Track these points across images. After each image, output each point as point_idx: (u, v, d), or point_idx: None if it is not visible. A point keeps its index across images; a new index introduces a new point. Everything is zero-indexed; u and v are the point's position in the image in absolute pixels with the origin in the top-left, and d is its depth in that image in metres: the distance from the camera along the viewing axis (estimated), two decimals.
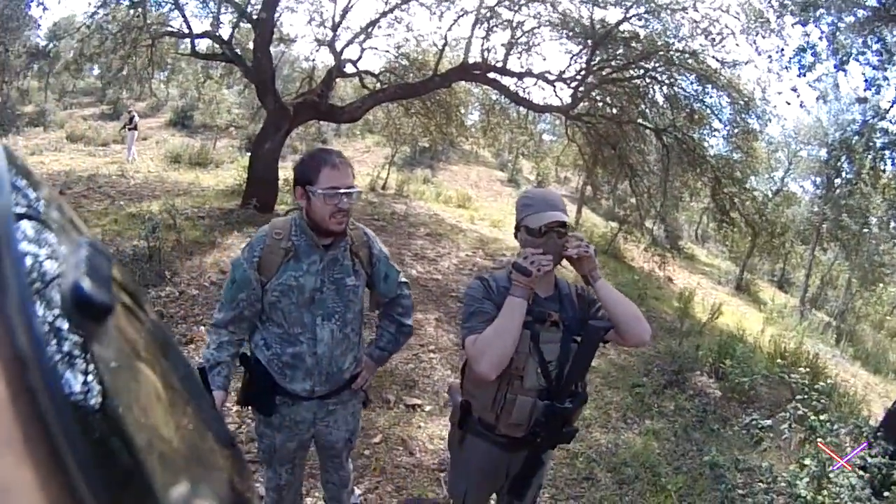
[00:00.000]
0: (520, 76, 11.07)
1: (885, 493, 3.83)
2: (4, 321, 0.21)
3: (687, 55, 10.16)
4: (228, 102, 21.99)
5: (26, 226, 0.26)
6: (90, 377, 0.25)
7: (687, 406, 5.78)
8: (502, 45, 10.90)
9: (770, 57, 9.45)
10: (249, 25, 10.41)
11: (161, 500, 0.27)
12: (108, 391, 0.26)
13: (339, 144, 21.32)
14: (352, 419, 2.61)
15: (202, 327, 5.36)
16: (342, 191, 2.16)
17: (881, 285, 19.93)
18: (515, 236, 2.29)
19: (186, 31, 10.36)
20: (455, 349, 6.05)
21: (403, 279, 2.58)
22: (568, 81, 10.94)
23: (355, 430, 2.69)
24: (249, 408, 2.68)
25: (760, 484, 4.20)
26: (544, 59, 59.81)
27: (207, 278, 6.56)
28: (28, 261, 0.24)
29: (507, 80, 11.21)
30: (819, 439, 4.21)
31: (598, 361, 6.51)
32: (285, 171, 11.85)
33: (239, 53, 10.43)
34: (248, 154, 12.77)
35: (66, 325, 0.24)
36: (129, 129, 16.57)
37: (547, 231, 2.14)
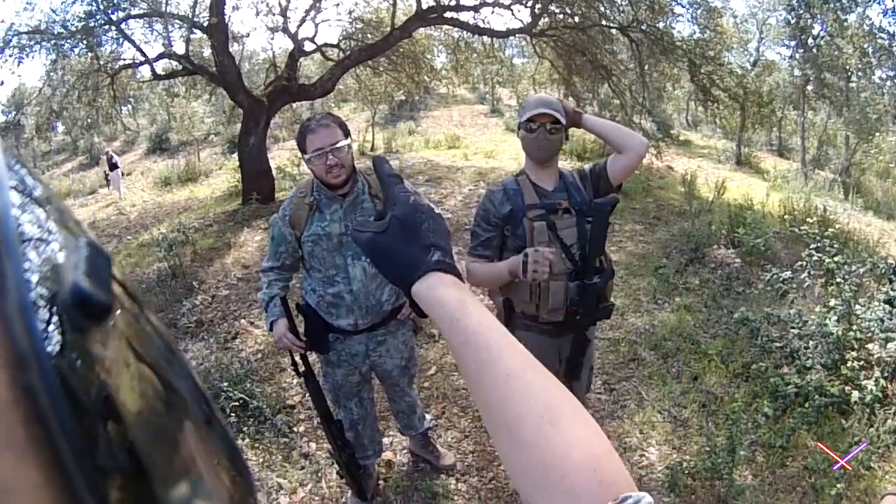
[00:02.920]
0: (476, 9, 11.00)
1: None
2: (4, 322, 0.21)
3: None
4: (200, 114, 21.91)
5: (27, 219, 0.27)
6: (90, 377, 0.25)
7: (711, 278, 5.98)
8: None
9: None
10: (201, 34, 10.41)
11: (161, 499, 0.28)
12: (108, 391, 0.26)
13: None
14: (404, 347, 2.85)
15: (242, 321, 5.60)
16: (326, 149, 2.35)
17: (878, 134, 19.82)
18: (518, 135, 2.49)
19: (142, 58, 10.39)
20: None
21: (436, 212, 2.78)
22: (524, 2, 10.90)
23: (411, 358, 2.93)
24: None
25: (793, 330, 4.42)
26: None
27: (234, 276, 6.78)
28: (28, 261, 0.24)
29: (464, 16, 11.17)
30: (839, 282, 4.41)
31: (618, 255, 6.70)
32: (275, 161, 12.00)
33: (199, 64, 10.48)
34: (234, 156, 12.88)
35: (65, 325, 0.24)
36: (112, 171, 16.52)
37: (538, 126, 2.32)
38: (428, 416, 3.42)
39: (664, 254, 6.82)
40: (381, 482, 3.31)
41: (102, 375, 0.27)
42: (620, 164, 2.42)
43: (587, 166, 2.57)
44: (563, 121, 2.35)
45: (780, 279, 4.79)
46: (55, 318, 0.24)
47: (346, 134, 2.44)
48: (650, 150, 11.93)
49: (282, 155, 15.10)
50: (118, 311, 0.30)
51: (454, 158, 14.31)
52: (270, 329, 2.60)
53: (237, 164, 11.07)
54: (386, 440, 3.53)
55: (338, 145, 2.37)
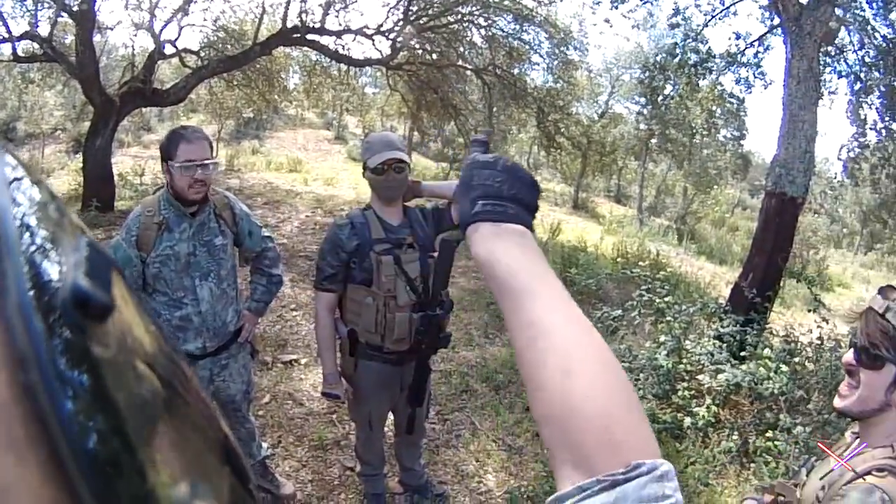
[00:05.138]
0: (338, 34, 11.11)
1: (742, 354, 4.45)
2: (4, 322, 0.21)
3: None
4: (51, 105, 20.11)
5: (28, 219, 0.26)
6: (90, 377, 0.25)
7: None
8: (319, 5, 10.83)
9: None
10: (67, 19, 9.68)
11: (161, 499, 0.28)
12: (108, 391, 0.26)
13: (164, 129, 20.16)
14: (244, 371, 2.84)
15: None
16: (197, 163, 2.35)
17: (716, 187, 21.72)
18: (363, 175, 2.57)
19: (6, 34, 9.48)
20: (314, 304, 6.24)
21: (267, 233, 2.82)
22: (386, 34, 11.12)
23: (250, 382, 2.93)
24: None
25: (624, 364, 4.77)
26: (362, 15, 58.90)
27: None
28: (27, 260, 0.24)
29: (326, 40, 11.24)
30: (669, 320, 4.78)
31: (451, 290, 6.86)
32: (118, 167, 11.31)
33: (60, 51, 9.74)
34: (78, 156, 11.99)
35: (65, 325, 0.24)
36: None
37: (386, 169, 2.43)
38: (265, 445, 3.37)
39: None
40: None
41: (103, 375, 0.26)
42: None
43: (430, 205, 2.74)
44: (408, 160, 2.51)
45: (611, 317, 5.14)
46: (55, 318, 0.24)
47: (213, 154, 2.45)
48: None
49: (125, 161, 14.24)
50: (120, 311, 0.31)
51: (294, 182, 14.28)
52: None
53: (80, 166, 10.34)
54: None
55: (208, 162, 2.37)
